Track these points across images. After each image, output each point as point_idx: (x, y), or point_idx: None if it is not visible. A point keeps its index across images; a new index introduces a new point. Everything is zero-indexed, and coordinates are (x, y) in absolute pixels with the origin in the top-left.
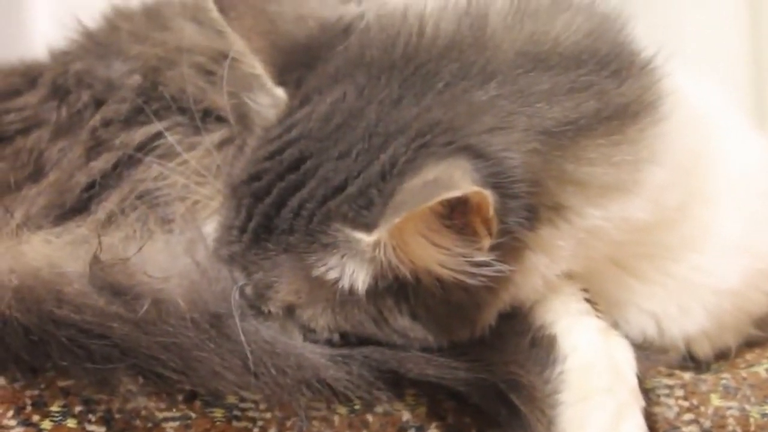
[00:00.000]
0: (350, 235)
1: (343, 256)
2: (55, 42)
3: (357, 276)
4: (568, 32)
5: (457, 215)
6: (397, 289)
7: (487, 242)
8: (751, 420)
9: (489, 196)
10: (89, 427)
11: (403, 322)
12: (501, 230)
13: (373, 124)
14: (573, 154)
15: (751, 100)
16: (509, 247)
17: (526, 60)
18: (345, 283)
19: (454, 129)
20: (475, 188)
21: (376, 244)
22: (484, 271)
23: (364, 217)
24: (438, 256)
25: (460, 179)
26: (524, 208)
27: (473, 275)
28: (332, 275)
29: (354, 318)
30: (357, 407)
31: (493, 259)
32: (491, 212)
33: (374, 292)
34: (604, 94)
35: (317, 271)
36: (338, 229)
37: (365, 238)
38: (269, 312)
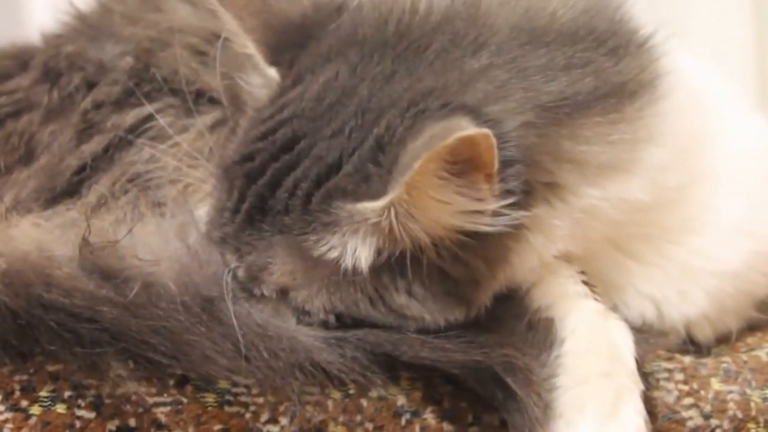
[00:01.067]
0: (353, 209)
1: (344, 234)
2: (48, 25)
3: (360, 253)
4: (564, 8)
5: (461, 166)
6: (395, 264)
7: (492, 198)
8: (752, 404)
9: (495, 144)
10: (79, 413)
11: (399, 299)
12: (501, 195)
13: (365, 101)
14: (569, 131)
15: (754, 90)
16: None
17: (521, 34)
18: (348, 262)
19: (448, 94)
20: (484, 130)
21: (386, 209)
22: (500, 220)
23: (368, 188)
24: (452, 208)
25: (467, 125)
26: (519, 179)
27: (488, 225)
28: (333, 254)
29: (350, 297)
30: (351, 392)
31: (506, 206)
32: (495, 164)
33: (372, 269)
34: (602, 71)
35: (317, 252)
36: (339, 206)
37: (373, 205)
38: (262, 295)
